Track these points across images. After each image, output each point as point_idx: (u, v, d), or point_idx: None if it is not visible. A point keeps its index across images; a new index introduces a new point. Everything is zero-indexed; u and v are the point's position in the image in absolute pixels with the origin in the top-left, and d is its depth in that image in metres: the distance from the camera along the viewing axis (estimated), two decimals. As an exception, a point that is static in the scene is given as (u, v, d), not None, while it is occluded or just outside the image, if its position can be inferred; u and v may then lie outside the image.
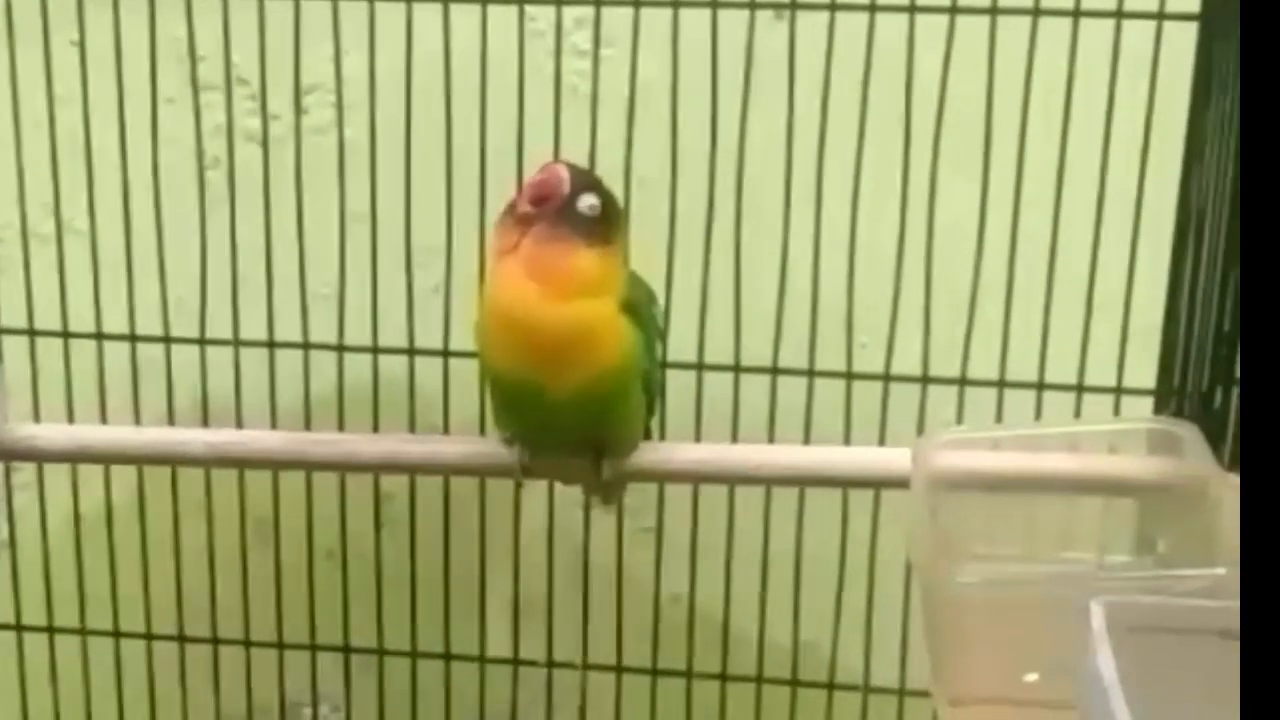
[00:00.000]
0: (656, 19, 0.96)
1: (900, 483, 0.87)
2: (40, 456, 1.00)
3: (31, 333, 1.06)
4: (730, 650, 1.07)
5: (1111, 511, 0.91)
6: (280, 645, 1.11)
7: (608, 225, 0.88)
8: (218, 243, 1.02)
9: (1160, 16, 0.93)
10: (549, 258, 0.86)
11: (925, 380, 1.00)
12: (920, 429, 0.98)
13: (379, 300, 1.02)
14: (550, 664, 1.10)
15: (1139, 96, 0.93)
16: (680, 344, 1.00)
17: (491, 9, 0.97)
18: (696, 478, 0.98)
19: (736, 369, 1.01)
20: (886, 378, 1.00)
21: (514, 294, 0.87)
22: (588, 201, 0.87)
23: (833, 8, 0.94)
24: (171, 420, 1.05)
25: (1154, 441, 0.88)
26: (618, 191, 0.94)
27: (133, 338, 1.06)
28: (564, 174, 0.86)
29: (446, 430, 1.04)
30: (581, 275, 0.87)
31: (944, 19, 0.93)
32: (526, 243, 0.87)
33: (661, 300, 0.96)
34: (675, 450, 0.96)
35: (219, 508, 1.08)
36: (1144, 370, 0.98)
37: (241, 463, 1.00)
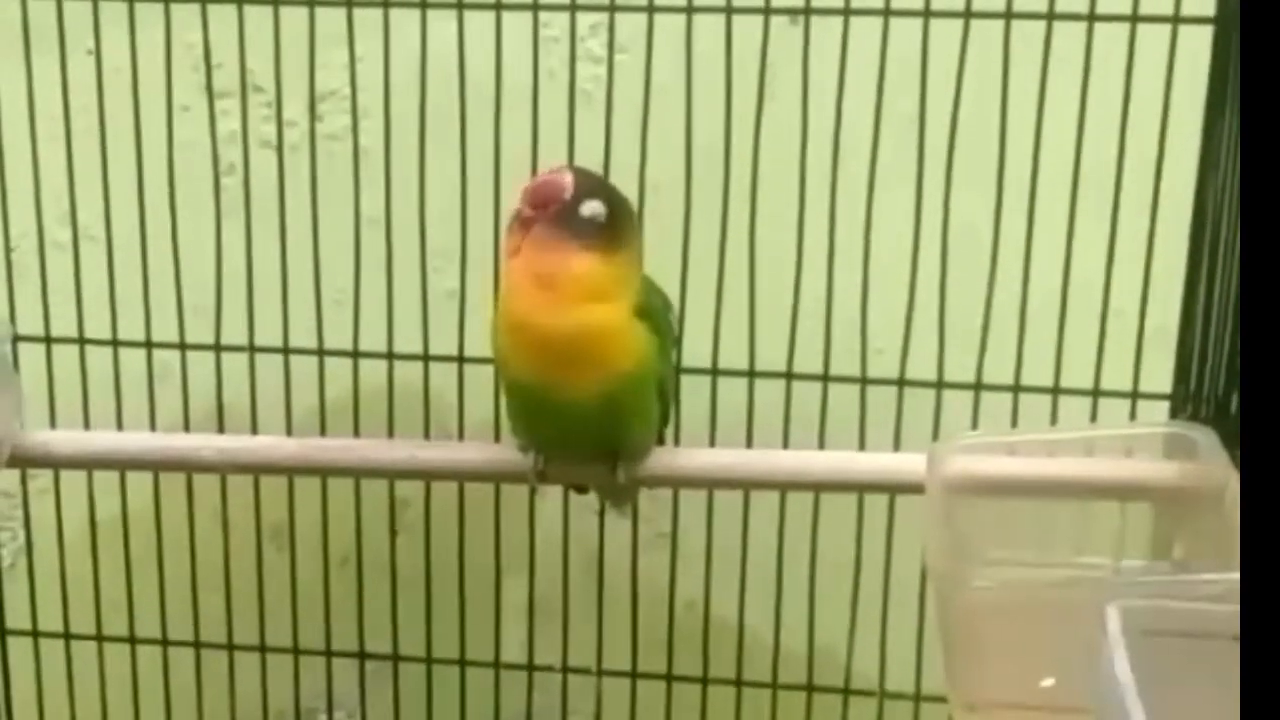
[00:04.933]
0: (670, 24, 0.96)
1: (915, 488, 0.87)
2: (56, 463, 1.01)
3: (48, 339, 1.06)
4: (745, 656, 1.07)
5: (1127, 516, 0.90)
6: (296, 651, 1.12)
7: (615, 231, 0.87)
8: (233, 249, 1.02)
9: (1176, 20, 0.92)
10: (546, 262, 0.86)
11: (940, 385, 1.00)
12: (935, 434, 0.98)
13: (394, 306, 1.02)
14: (565, 670, 1.10)
15: (1154, 100, 0.93)
16: (695, 349, 1.00)
17: (506, 15, 0.97)
18: (711, 483, 0.98)
19: (751, 374, 1.01)
20: (901, 383, 1.00)
21: (519, 299, 0.88)
22: (591, 207, 0.86)
23: (847, 12, 0.94)
24: (187, 426, 1.05)
25: (1170, 446, 0.88)
26: (632, 197, 0.94)
27: (148, 344, 1.06)
28: (567, 178, 0.86)
29: (461, 436, 1.04)
30: (580, 280, 0.86)
31: (958, 23, 0.93)
32: (525, 245, 0.87)
33: (676, 305, 0.96)
34: (690, 455, 0.96)
35: (234, 514, 1.08)
36: (1160, 375, 0.98)
37: (257, 469, 1.00)
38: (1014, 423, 0.99)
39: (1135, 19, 0.93)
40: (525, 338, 0.88)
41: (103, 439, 1.00)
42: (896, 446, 0.99)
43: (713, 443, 1.01)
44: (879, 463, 0.94)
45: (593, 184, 0.88)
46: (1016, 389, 0.99)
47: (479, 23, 0.97)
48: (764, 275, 0.98)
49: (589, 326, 0.87)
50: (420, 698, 1.11)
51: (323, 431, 1.04)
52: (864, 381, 1.01)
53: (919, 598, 1.00)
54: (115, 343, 1.06)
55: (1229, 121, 0.91)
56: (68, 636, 1.12)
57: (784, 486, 0.97)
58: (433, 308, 1.02)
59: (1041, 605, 0.77)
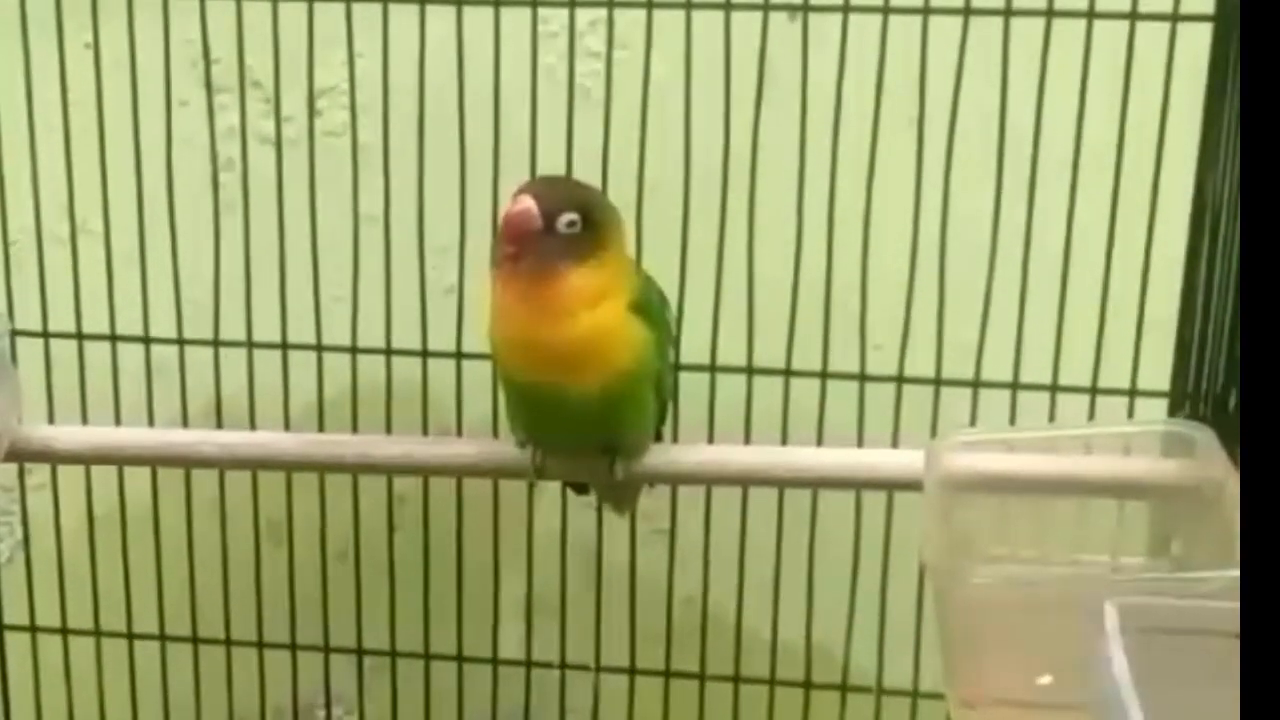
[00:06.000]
0: (669, 21, 0.96)
1: (913, 485, 0.87)
2: (54, 458, 1.01)
3: (46, 334, 1.06)
4: (743, 652, 1.07)
5: (1125, 514, 0.90)
6: (294, 647, 1.11)
7: (593, 234, 0.87)
8: (231, 244, 1.02)
9: (1175, 18, 0.92)
10: (541, 289, 0.87)
11: (939, 382, 1.00)
12: (934, 431, 0.98)
13: (392, 302, 1.02)
14: (563, 666, 1.10)
15: (1153, 97, 0.93)
16: (693, 346, 1.00)
17: (504, 11, 0.97)
18: (709, 479, 0.98)
19: (749, 371, 1.01)
20: (900, 379, 1.00)
21: (517, 320, 0.88)
22: (565, 219, 0.86)
23: (846, 9, 0.94)
24: (185, 422, 1.05)
25: (1168, 443, 0.88)
26: (629, 194, 0.94)
27: (147, 339, 1.06)
28: (531, 207, 0.85)
29: (459, 432, 1.04)
30: (576, 294, 0.87)
31: (957, 20, 0.93)
32: (514, 279, 0.87)
33: (674, 302, 0.96)
34: (688, 452, 0.96)
35: (232, 509, 1.08)
36: (1159, 372, 0.98)
37: (255, 464, 1.00)
38: (1012, 420, 0.99)
39: (1134, 16, 0.93)
40: (522, 347, 0.89)
41: (101, 434, 1.00)
42: (895, 443, 0.99)
43: (711, 439, 1.01)
44: (877, 459, 0.94)
45: (559, 195, 0.87)
46: (1015, 386, 0.99)
47: (478, 19, 0.97)
48: (762, 271, 0.98)
49: (586, 331, 0.87)
50: (418, 694, 1.11)
51: (321, 427, 1.04)
52: (862, 378, 1.01)
53: (917, 595, 1.01)
54: (113, 338, 1.06)
55: (1228, 119, 0.91)
56: (65, 632, 1.12)
57: (782, 483, 0.97)
58: (431, 304, 1.02)
59: (1039, 602, 0.77)
